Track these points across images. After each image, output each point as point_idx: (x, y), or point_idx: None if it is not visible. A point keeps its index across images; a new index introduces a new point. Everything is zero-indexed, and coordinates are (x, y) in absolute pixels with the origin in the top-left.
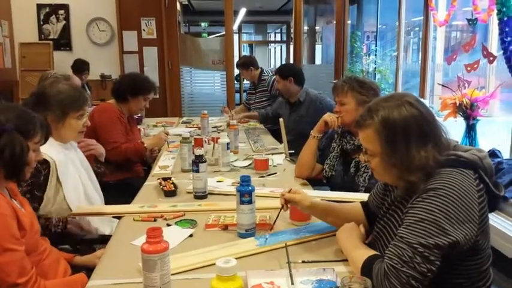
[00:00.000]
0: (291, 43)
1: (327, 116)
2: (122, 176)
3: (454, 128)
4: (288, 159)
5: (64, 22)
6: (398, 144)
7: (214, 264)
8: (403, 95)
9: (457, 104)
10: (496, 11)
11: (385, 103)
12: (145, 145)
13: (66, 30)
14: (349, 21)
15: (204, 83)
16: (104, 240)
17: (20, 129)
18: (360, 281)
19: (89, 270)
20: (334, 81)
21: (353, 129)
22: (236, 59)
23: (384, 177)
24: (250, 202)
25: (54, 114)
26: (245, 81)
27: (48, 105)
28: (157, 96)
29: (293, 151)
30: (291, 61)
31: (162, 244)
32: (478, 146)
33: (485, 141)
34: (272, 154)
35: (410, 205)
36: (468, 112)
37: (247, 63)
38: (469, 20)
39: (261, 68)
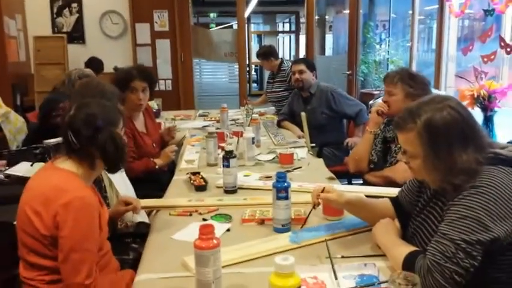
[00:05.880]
0: (300, 33)
1: (376, 108)
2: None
3: None
4: (311, 152)
5: (77, 15)
6: (441, 148)
7: (256, 258)
8: (445, 98)
9: (475, 96)
10: None
11: (426, 107)
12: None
13: (79, 23)
14: (361, 11)
15: (213, 74)
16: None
17: (108, 121)
18: (409, 277)
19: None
20: (348, 73)
21: None
22: (247, 49)
23: (424, 178)
24: (286, 198)
25: None
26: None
27: None
28: (170, 89)
29: (314, 144)
30: (303, 52)
31: (214, 240)
32: (495, 137)
33: (502, 132)
34: (295, 148)
35: (452, 202)
36: (486, 103)
37: (267, 53)
38: (485, 11)
39: (281, 58)
